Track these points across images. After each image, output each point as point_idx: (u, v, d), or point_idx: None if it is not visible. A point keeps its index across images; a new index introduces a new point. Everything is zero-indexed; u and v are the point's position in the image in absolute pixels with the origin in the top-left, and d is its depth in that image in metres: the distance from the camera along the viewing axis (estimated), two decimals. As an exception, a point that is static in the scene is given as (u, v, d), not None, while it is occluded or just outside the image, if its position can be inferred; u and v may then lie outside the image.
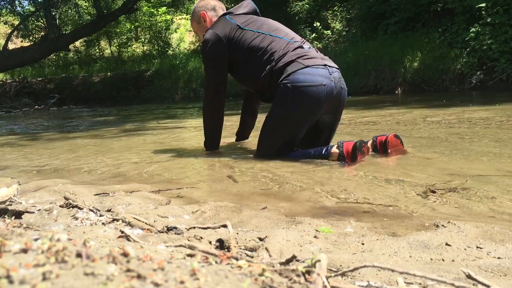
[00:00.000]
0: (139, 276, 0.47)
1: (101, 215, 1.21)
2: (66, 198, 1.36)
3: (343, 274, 0.77)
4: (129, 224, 1.12)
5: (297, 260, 0.80)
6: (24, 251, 0.49)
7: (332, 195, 1.50)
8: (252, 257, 0.87)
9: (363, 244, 0.98)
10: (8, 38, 13.59)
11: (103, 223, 1.14)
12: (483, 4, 7.59)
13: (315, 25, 11.61)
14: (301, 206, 1.39)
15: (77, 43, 16.37)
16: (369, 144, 2.20)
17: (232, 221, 1.19)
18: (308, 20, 12.43)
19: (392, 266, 0.68)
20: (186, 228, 1.10)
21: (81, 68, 15.15)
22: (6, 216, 1.21)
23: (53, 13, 12.85)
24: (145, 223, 1.12)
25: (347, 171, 1.90)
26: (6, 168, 2.38)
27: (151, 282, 0.46)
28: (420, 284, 0.73)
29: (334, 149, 2.07)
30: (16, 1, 14.94)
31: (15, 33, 14.84)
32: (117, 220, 1.15)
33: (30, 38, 16.11)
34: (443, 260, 0.88)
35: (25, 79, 12.51)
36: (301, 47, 2.25)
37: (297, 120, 2.18)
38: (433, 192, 1.46)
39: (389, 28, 9.52)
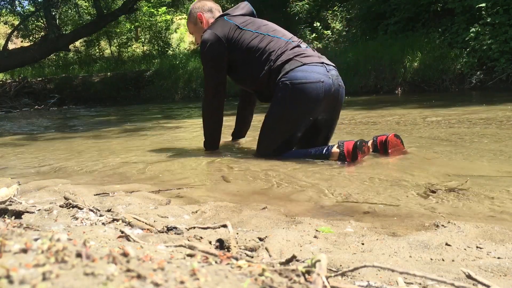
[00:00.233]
0: (139, 276, 0.47)
1: (101, 215, 1.21)
2: (66, 198, 1.36)
3: (343, 274, 0.77)
4: (129, 224, 1.12)
5: (297, 260, 0.80)
6: (24, 251, 0.49)
7: (332, 195, 1.50)
8: (252, 257, 0.87)
9: (363, 244, 0.98)
10: (8, 38, 13.59)
11: (103, 223, 1.14)
12: (483, 4, 7.59)
13: (315, 25, 11.61)
14: (301, 206, 1.39)
15: (77, 43, 16.36)
16: (369, 143, 2.20)
17: (232, 221, 1.19)
18: (308, 20, 12.44)
19: (392, 266, 0.68)
20: (186, 228, 1.10)
21: (81, 68, 15.14)
22: (6, 216, 1.21)
23: (53, 13, 12.84)
24: (145, 223, 1.12)
25: (347, 171, 1.90)
26: (6, 168, 2.38)
27: (151, 282, 0.46)
28: (420, 284, 0.73)
29: (335, 149, 2.08)
30: (16, 1, 14.94)
31: (15, 33, 14.84)
32: (117, 220, 1.15)
33: (30, 38, 16.11)
34: (443, 260, 0.88)
35: (25, 79, 12.51)
36: (298, 46, 2.27)
37: (296, 118, 2.19)
38: (433, 192, 1.46)
39: (389, 28, 9.52)
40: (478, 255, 0.90)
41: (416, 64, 8.07)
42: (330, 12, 12.07)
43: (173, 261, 0.54)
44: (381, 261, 0.86)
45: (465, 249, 0.93)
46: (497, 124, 3.04)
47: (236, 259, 0.62)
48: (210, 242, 0.97)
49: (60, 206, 1.30)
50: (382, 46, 8.74)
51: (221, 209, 1.32)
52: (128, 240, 0.96)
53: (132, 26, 17.07)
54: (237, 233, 1.06)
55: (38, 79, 13.06)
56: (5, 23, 15.60)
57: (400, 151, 2.19)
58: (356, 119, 3.96)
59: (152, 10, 15.97)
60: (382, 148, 2.18)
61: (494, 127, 2.92)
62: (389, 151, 2.16)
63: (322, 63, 2.20)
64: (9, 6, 14.55)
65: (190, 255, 0.63)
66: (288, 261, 0.68)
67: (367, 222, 1.19)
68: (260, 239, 1.01)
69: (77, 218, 1.18)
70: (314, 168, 1.96)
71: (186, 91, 11.38)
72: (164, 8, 16.25)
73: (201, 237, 1.00)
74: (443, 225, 1.08)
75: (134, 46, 17.73)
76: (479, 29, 7.57)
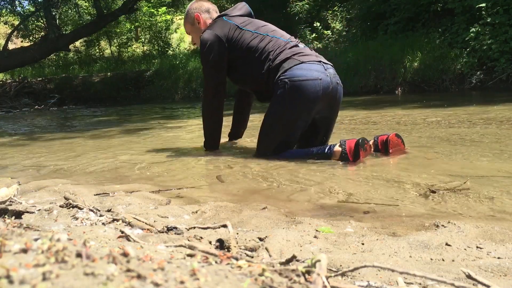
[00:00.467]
0: (139, 276, 0.47)
1: (101, 215, 1.21)
2: (66, 198, 1.36)
3: (343, 274, 0.77)
4: (129, 224, 1.12)
5: (297, 260, 0.80)
6: (24, 251, 0.49)
7: (332, 195, 1.50)
8: (252, 257, 0.87)
9: (363, 244, 0.98)
10: (8, 38, 13.58)
11: (103, 223, 1.14)
12: (483, 4, 7.59)
13: (315, 25, 11.60)
14: (301, 206, 1.39)
15: (77, 43, 16.35)
16: (370, 143, 2.21)
17: (232, 221, 1.19)
18: (308, 20, 12.43)
19: (392, 266, 0.68)
20: (186, 228, 1.10)
21: (81, 68, 15.13)
22: (6, 216, 1.21)
23: (53, 13, 12.84)
24: (145, 223, 1.12)
25: (347, 171, 1.90)
26: (6, 168, 2.39)
27: (151, 282, 0.46)
28: (420, 284, 0.73)
29: (337, 148, 2.08)
30: (16, 1, 14.94)
31: (15, 33, 14.83)
32: (117, 220, 1.15)
33: (30, 38, 16.09)
34: (443, 260, 0.88)
35: (25, 79, 12.50)
36: (296, 45, 2.30)
37: (295, 116, 2.19)
38: (433, 192, 1.46)
39: (389, 28, 9.52)
40: (478, 255, 0.90)
41: (416, 64, 8.07)
42: (330, 12, 12.07)
43: (173, 261, 0.54)
44: (381, 261, 0.86)
45: (465, 249, 0.93)
46: (497, 124, 3.04)
47: (236, 259, 0.62)
48: (210, 242, 0.97)
49: (60, 206, 1.30)
50: (382, 46, 8.74)
51: (221, 209, 1.32)
52: (128, 240, 0.96)
53: (132, 26, 17.06)
54: (237, 233, 1.06)
55: (38, 79, 13.05)
56: (5, 23, 15.59)
57: (401, 150, 2.20)
58: (356, 119, 3.96)
59: (152, 10, 15.96)
60: (383, 147, 2.19)
61: (494, 127, 2.92)
62: (390, 150, 2.16)
63: (320, 61, 2.23)
64: (9, 6, 14.55)
65: (190, 255, 0.63)
66: (288, 261, 0.68)
67: (367, 222, 1.19)
68: (260, 239, 1.01)
69: (77, 218, 1.18)
70: (314, 168, 1.96)
71: (186, 91, 11.37)
72: (164, 8, 16.24)
73: (201, 237, 1.00)
74: (443, 225, 1.08)
75: (134, 46, 17.72)
76: (479, 29, 7.57)
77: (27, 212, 1.25)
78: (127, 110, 8.09)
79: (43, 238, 0.54)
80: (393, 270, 0.62)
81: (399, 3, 9.33)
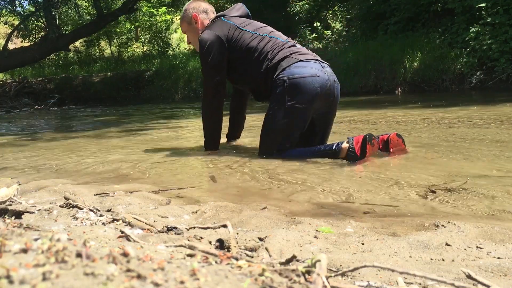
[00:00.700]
0: (139, 276, 0.47)
1: (101, 215, 1.21)
2: (66, 198, 1.36)
3: (343, 274, 0.77)
4: (129, 224, 1.12)
5: (297, 260, 0.79)
6: (24, 251, 0.49)
7: (332, 195, 1.50)
8: (252, 257, 0.87)
9: (363, 244, 0.98)
10: (8, 38, 13.58)
11: (103, 223, 1.14)
12: (483, 4, 7.59)
13: (315, 25, 11.61)
14: (301, 206, 1.39)
15: (77, 43, 16.35)
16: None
17: (232, 221, 1.19)
18: (308, 20, 12.43)
19: (392, 266, 0.68)
20: (186, 228, 1.10)
21: (81, 68, 15.14)
22: (6, 216, 1.21)
23: (53, 13, 12.84)
24: (145, 223, 1.12)
25: (347, 171, 1.90)
26: (6, 168, 2.38)
27: (151, 282, 0.46)
28: (420, 284, 0.73)
29: (345, 144, 2.08)
30: (16, 1, 14.93)
31: (15, 33, 14.82)
32: (117, 220, 1.15)
33: (30, 38, 16.09)
34: (443, 260, 0.88)
35: (25, 79, 12.51)
36: (293, 45, 2.34)
37: (295, 113, 2.20)
38: (433, 192, 1.46)
39: (389, 28, 9.52)
40: (478, 255, 0.90)
41: (416, 64, 8.07)
42: (330, 12, 12.07)
43: (173, 261, 0.54)
44: (381, 261, 0.86)
45: (465, 249, 0.93)
46: (497, 124, 3.04)
47: (236, 259, 0.62)
48: (210, 242, 0.97)
49: (60, 206, 1.30)
50: (382, 46, 8.74)
51: (221, 209, 1.32)
52: (128, 240, 0.96)
53: (132, 26, 17.06)
54: (237, 233, 1.05)
55: (38, 79, 13.07)
56: (5, 23, 15.59)
57: (401, 150, 2.20)
58: (356, 119, 3.96)
59: (152, 10, 15.96)
60: (384, 147, 2.19)
61: (494, 127, 2.92)
62: (391, 150, 2.16)
63: (317, 60, 2.27)
64: (9, 6, 14.55)
65: (190, 255, 0.63)
66: (288, 261, 0.68)
67: (367, 222, 1.19)
68: (260, 239, 1.00)
69: (77, 218, 1.18)
70: (315, 168, 1.96)
71: (186, 91, 11.37)
72: (164, 8, 16.24)
73: (201, 237, 1.00)
74: (443, 225, 1.08)
75: (134, 46, 17.72)
76: (479, 29, 7.57)
77: (27, 212, 1.25)
78: (127, 110, 8.10)
79: (43, 238, 0.54)
80: (393, 270, 0.62)
81: (399, 3, 9.34)
